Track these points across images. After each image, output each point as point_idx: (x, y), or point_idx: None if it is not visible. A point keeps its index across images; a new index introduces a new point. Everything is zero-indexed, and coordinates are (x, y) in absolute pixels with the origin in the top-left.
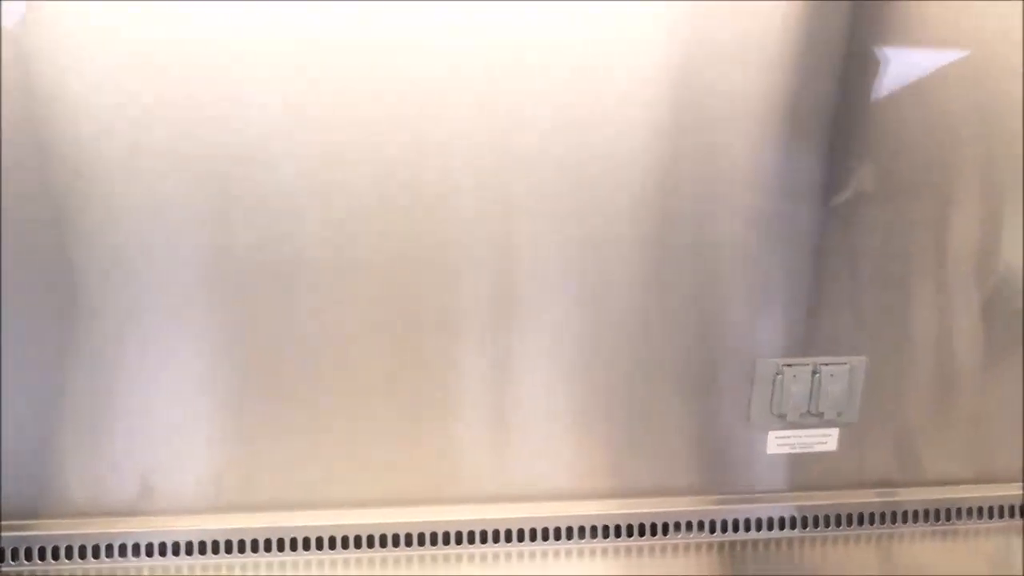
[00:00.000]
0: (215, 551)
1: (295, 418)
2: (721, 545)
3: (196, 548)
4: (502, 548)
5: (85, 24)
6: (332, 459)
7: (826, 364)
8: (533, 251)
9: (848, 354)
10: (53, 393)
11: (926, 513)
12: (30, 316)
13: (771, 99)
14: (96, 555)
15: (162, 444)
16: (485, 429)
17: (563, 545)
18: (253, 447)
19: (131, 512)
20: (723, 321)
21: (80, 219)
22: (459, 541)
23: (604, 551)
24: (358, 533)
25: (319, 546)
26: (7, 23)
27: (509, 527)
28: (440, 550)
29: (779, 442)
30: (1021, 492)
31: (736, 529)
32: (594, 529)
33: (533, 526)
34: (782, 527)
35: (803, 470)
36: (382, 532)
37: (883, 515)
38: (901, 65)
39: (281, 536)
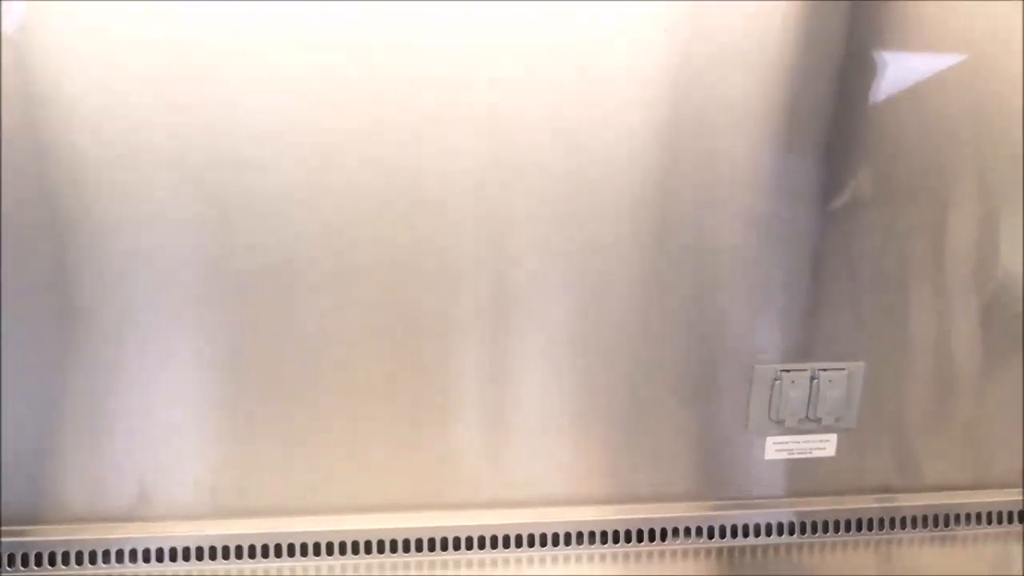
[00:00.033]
0: (212, 556)
1: (293, 423)
2: (719, 551)
3: (194, 553)
4: (500, 554)
5: (83, 30)
6: (330, 464)
7: (824, 369)
8: (531, 255)
9: (846, 359)
10: (51, 398)
11: (925, 519)
12: (28, 321)
13: (769, 103)
14: (94, 561)
15: (160, 449)
16: (483, 434)
17: (561, 550)
18: (251, 452)
19: (129, 518)
20: (721, 325)
21: (78, 223)
22: (457, 547)
23: (602, 556)
24: (356, 538)
25: (316, 551)
26: (7, 28)
27: (507, 532)
28: (438, 555)
29: (777, 448)
30: (1020, 498)
31: (734, 535)
32: (592, 534)
33: (531, 531)
34: (780, 533)
35: (801, 476)
36: (380, 537)
37: (882, 521)
38: (899, 68)
39: (279, 541)
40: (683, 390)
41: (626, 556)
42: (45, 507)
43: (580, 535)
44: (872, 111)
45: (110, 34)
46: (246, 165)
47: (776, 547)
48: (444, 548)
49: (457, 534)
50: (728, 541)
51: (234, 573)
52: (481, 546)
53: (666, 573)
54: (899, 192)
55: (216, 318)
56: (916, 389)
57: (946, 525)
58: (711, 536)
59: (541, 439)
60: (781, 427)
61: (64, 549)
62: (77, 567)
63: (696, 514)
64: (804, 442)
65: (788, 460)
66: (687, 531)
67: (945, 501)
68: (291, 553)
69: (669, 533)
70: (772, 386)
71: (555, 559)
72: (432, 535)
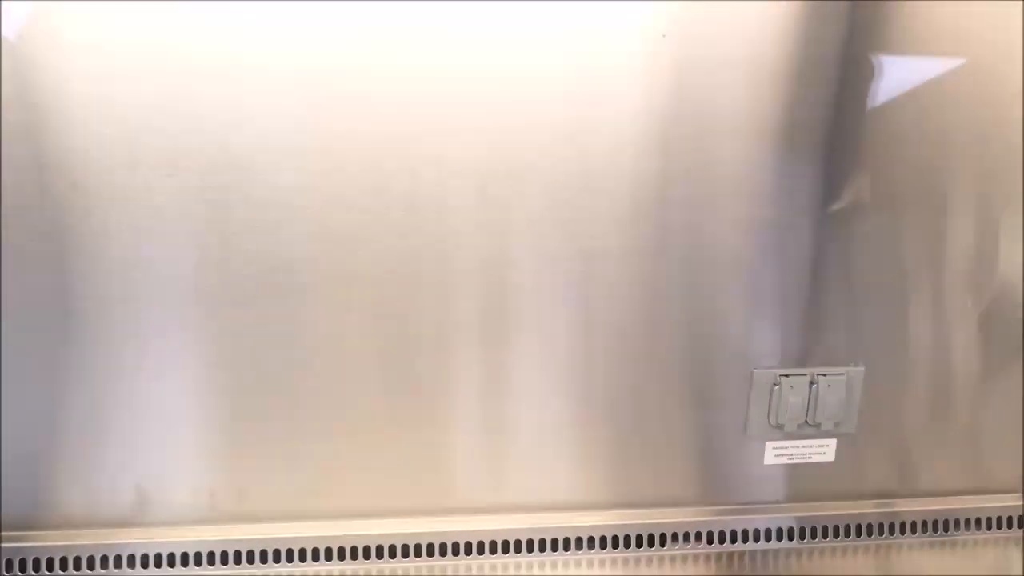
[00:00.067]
0: (211, 562)
1: (292, 429)
2: (719, 556)
3: (192, 559)
4: (500, 559)
5: (83, 35)
6: (329, 469)
7: (823, 374)
8: (530, 262)
9: (846, 364)
10: (50, 403)
11: (924, 524)
12: (27, 327)
13: (768, 109)
14: (92, 567)
15: (158, 455)
16: (482, 440)
17: (561, 556)
18: (250, 458)
19: (128, 523)
20: (721, 331)
21: (78, 229)
22: (456, 552)
23: (602, 562)
24: (355, 544)
25: (316, 557)
26: (7, 34)
27: (506, 538)
28: (437, 561)
29: (777, 453)
30: (1019, 503)
31: (734, 540)
32: (592, 540)
33: (532, 536)
34: (780, 538)
35: (801, 481)
36: (379, 543)
37: (881, 526)
38: (898, 74)
39: (277, 547)
40: (683, 395)
41: (626, 561)
42: (44, 513)
43: (580, 540)
44: (871, 117)
45: (110, 40)
46: (245, 172)
47: (776, 552)
48: (444, 553)
49: (457, 539)
50: (728, 546)
51: None
52: (481, 551)
53: None
54: (898, 198)
55: (215, 324)
56: (915, 394)
57: (946, 530)
58: (711, 541)
59: (541, 444)
60: (780, 432)
61: (62, 555)
62: (76, 573)
63: (696, 519)
64: (803, 447)
65: (787, 465)
66: (687, 536)
67: (945, 506)
68: (289, 558)
69: (669, 538)
70: (771, 391)
71: (555, 564)
72: (432, 540)
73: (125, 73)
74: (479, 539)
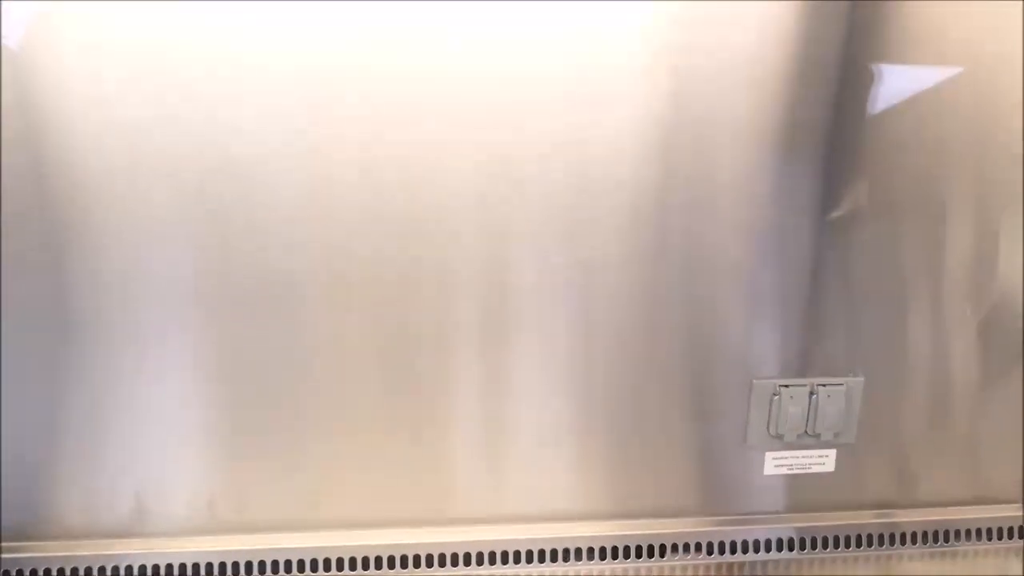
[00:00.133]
0: (209, 572)
1: (292, 438)
2: (719, 567)
3: (190, 570)
4: (499, 570)
5: (83, 43)
6: (329, 479)
7: (823, 385)
8: (530, 270)
9: (845, 374)
10: (48, 414)
11: (924, 535)
12: (26, 334)
13: (768, 116)
14: None
15: (157, 465)
16: (481, 451)
17: (560, 567)
18: (248, 468)
19: (127, 533)
20: (721, 340)
21: (77, 236)
22: (455, 563)
23: (601, 573)
24: (353, 555)
25: (313, 568)
26: (7, 41)
27: (506, 548)
28: (436, 572)
29: (776, 463)
30: (1019, 513)
31: (734, 551)
32: (591, 551)
33: (531, 547)
34: (780, 548)
35: (801, 491)
36: (378, 554)
37: (881, 537)
38: (898, 81)
39: (275, 558)
40: (682, 404)
41: (625, 572)
42: (43, 523)
43: (579, 551)
44: (870, 124)
45: (110, 48)
46: (245, 178)
47: (776, 563)
48: (443, 564)
49: (456, 550)
50: (727, 557)
51: None
52: (480, 562)
53: None
54: (897, 205)
55: (214, 332)
56: (915, 404)
57: (946, 541)
58: (710, 552)
59: (540, 454)
60: (780, 442)
61: (60, 566)
62: None
63: (696, 530)
64: (803, 457)
65: (787, 475)
66: (686, 547)
67: (945, 517)
68: (288, 569)
69: (669, 549)
70: (771, 401)
71: (555, 574)
72: (432, 551)
73: (125, 82)
74: (478, 549)
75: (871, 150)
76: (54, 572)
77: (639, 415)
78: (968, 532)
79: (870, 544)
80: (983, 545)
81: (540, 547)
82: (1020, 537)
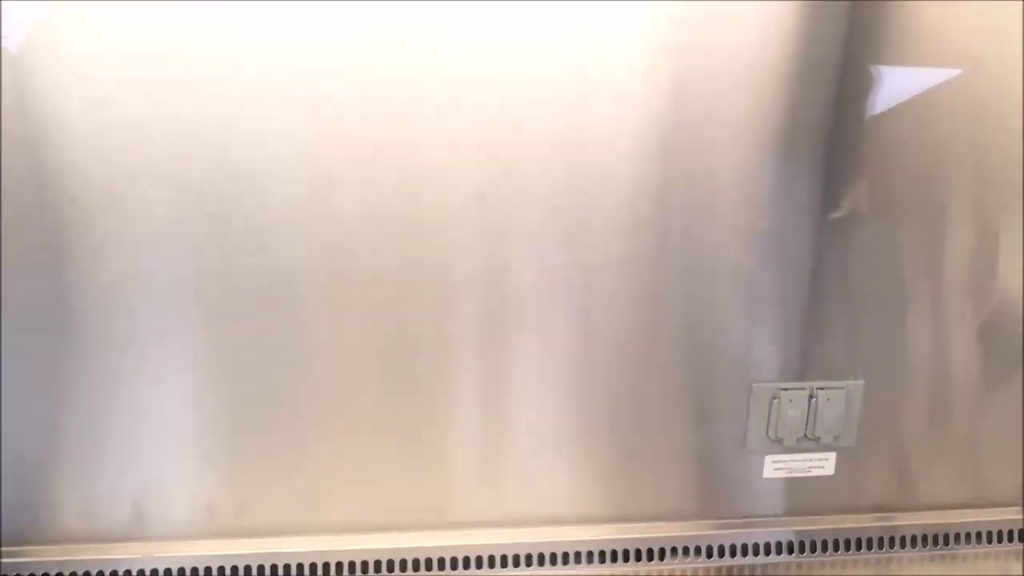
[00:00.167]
0: None
1: (291, 442)
2: (719, 570)
3: (188, 574)
4: (498, 573)
5: (83, 45)
6: (329, 483)
7: (823, 388)
8: (530, 272)
9: (845, 377)
10: (47, 417)
11: (924, 538)
12: (25, 339)
13: (767, 118)
14: None
15: (156, 469)
16: (482, 452)
17: (559, 570)
18: (248, 472)
19: (127, 538)
20: (720, 342)
21: (76, 241)
22: (455, 567)
23: None
24: (352, 559)
25: (312, 572)
26: (7, 43)
27: (504, 552)
28: (434, 575)
29: (776, 466)
30: (1019, 516)
31: (733, 554)
32: (591, 554)
33: (530, 551)
34: (780, 552)
35: (800, 494)
36: (376, 558)
37: (881, 540)
38: (898, 82)
39: (274, 562)
40: (682, 407)
41: (625, 575)
42: (42, 527)
43: (579, 555)
44: (870, 125)
45: (109, 50)
46: (245, 182)
47: (775, 566)
48: (442, 568)
49: (456, 554)
50: (727, 560)
51: None
52: (480, 565)
53: None
54: (898, 206)
55: (214, 337)
56: (915, 407)
57: (945, 544)
58: (710, 555)
59: (540, 457)
60: (779, 446)
61: (59, 570)
62: None
63: (695, 533)
64: (802, 461)
65: (787, 479)
66: (686, 550)
67: (944, 520)
68: (287, 573)
69: (668, 552)
70: (770, 404)
71: None
72: (431, 555)
73: (124, 86)
74: (477, 553)
75: (871, 151)
76: None
77: (638, 417)
78: (968, 535)
79: (870, 547)
80: (983, 548)
81: (540, 550)
82: (1020, 540)
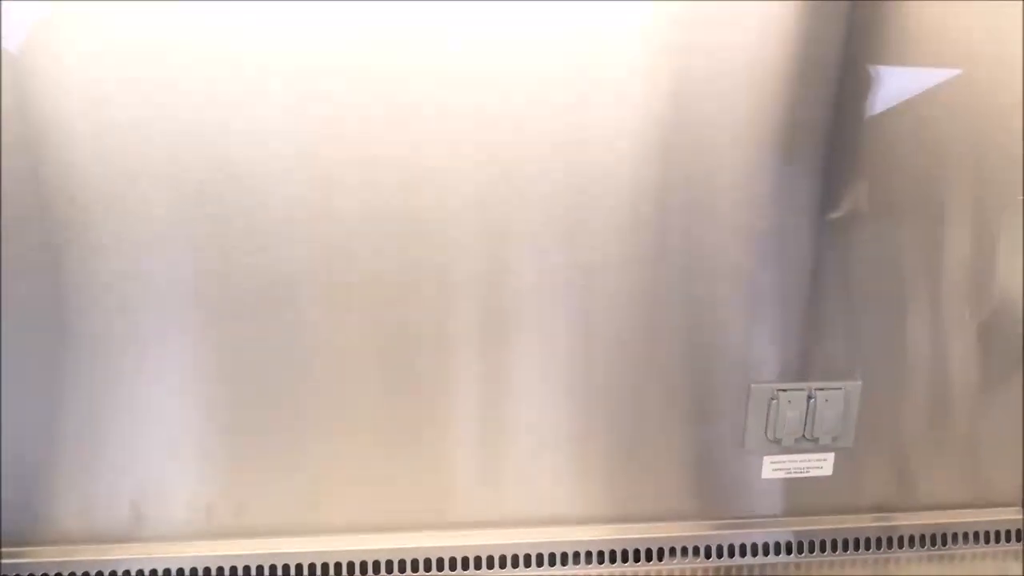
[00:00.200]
0: None
1: (290, 442)
2: (717, 570)
3: (188, 575)
4: (497, 573)
5: (82, 46)
6: (328, 483)
7: (821, 388)
8: (530, 272)
9: (843, 378)
10: (46, 418)
11: (923, 538)
12: (24, 340)
13: (767, 118)
14: None
15: (155, 469)
16: (481, 453)
17: (558, 571)
18: (247, 473)
19: (125, 539)
20: (719, 343)
21: (76, 243)
22: (453, 567)
23: None
24: (351, 559)
25: (312, 573)
26: (7, 44)
27: (504, 553)
28: (435, 575)
29: (774, 467)
30: (1018, 516)
31: (732, 554)
32: (589, 554)
33: (529, 551)
34: (778, 552)
35: (799, 495)
36: (376, 558)
37: (879, 540)
38: (897, 82)
39: (274, 563)
40: (681, 407)
41: None
42: (41, 527)
43: (578, 555)
44: (869, 125)
45: (109, 50)
46: (244, 183)
47: (774, 566)
48: (441, 568)
49: (455, 554)
50: (726, 560)
51: None
52: (479, 566)
53: None
54: (897, 206)
55: (214, 337)
56: (913, 408)
57: (944, 544)
58: (709, 556)
59: (539, 458)
60: (778, 446)
61: (58, 571)
62: None
63: (694, 533)
64: (801, 461)
65: (785, 479)
66: (684, 551)
67: (943, 520)
68: (286, 574)
69: (667, 553)
70: (769, 405)
71: None
72: (431, 555)
73: (124, 86)
74: (476, 554)
75: (870, 151)
76: None
77: (638, 417)
78: (967, 535)
79: (868, 547)
80: (982, 548)
81: (539, 551)
82: (1019, 540)
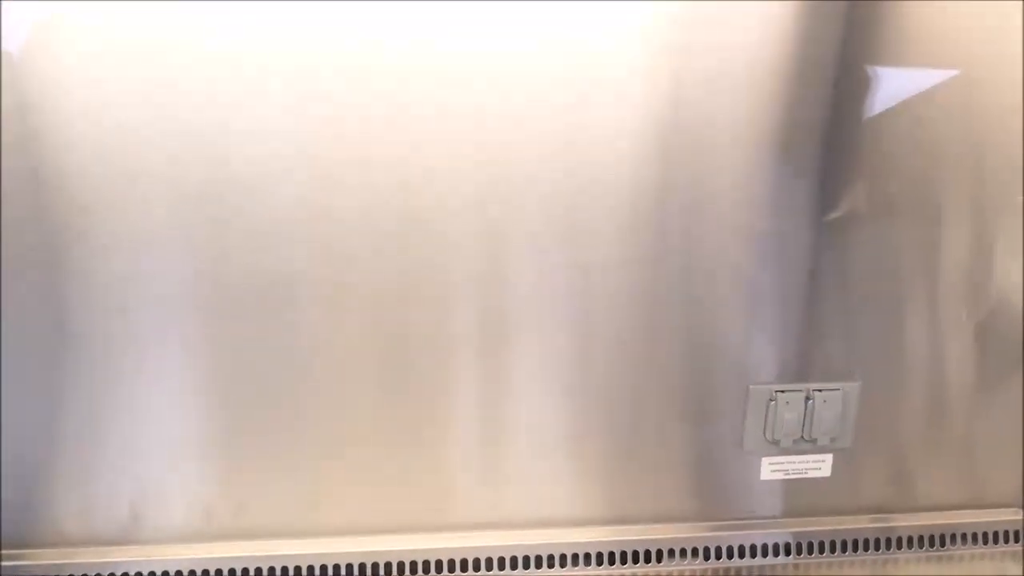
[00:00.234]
0: None
1: (289, 443)
2: (716, 571)
3: None
4: (496, 575)
5: (82, 47)
6: (327, 485)
7: (819, 390)
8: (528, 274)
9: (842, 379)
10: (46, 419)
11: (921, 539)
12: (22, 342)
13: (765, 119)
14: None
15: (154, 472)
16: (480, 454)
17: (557, 572)
18: (246, 474)
19: (124, 541)
20: (718, 344)
21: (75, 243)
22: (452, 569)
23: None
24: (351, 561)
25: (311, 574)
26: (6, 45)
27: (502, 555)
28: None
29: (773, 468)
30: (1017, 517)
31: (731, 556)
32: (588, 556)
33: (528, 553)
34: (777, 553)
35: (797, 496)
36: (375, 560)
37: (878, 541)
38: (895, 83)
39: (273, 564)
40: (680, 408)
41: None
42: (40, 529)
43: (576, 557)
44: (867, 126)
45: (108, 52)
46: (244, 185)
47: (772, 567)
48: (440, 570)
49: (454, 556)
50: (724, 562)
51: None
52: (477, 568)
53: None
54: (895, 207)
55: (213, 337)
56: (912, 409)
57: (943, 545)
58: (707, 557)
59: (538, 459)
60: (776, 447)
61: (56, 573)
62: None
63: (692, 535)
64: (799, 462)
65: (784, 480)
66: (683, 552)
67: (942, 521)
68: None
69: (665, 554)
70: (767, 406)
71: None
72: (429, 557)
73: (123, 88)
74: (475, 556)
75: (868, 151)
76: None
77: (637, 418)
78: (965, 536)
79: (867, 548)
80: (980, 549)
81: (538, 552)
82: (1017, 541)
